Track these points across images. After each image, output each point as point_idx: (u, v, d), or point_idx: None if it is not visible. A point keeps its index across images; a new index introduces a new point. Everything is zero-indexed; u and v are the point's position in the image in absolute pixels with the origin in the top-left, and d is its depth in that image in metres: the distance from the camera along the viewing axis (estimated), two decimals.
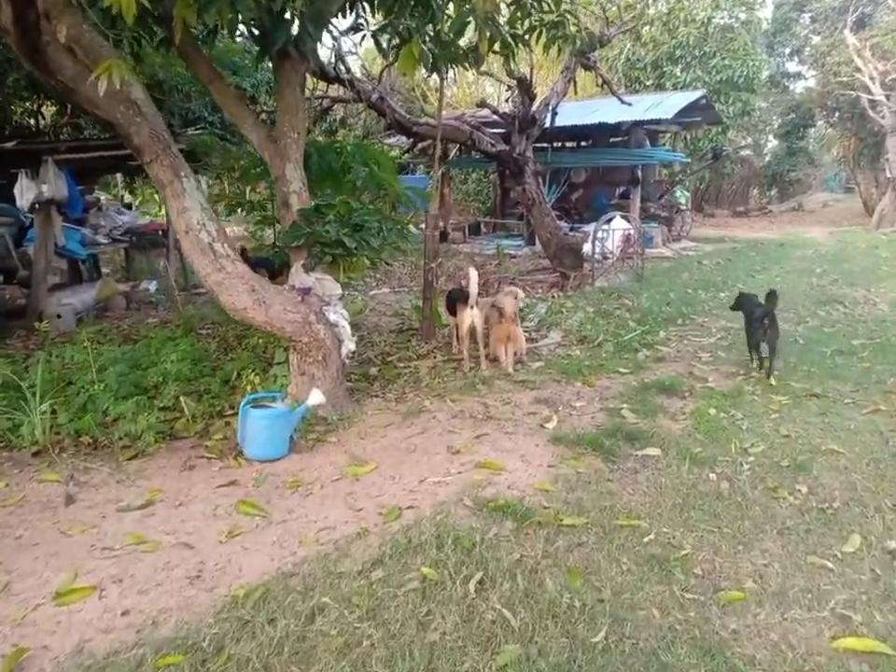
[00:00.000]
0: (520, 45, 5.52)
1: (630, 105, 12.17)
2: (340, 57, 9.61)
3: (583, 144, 17.07)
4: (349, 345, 4.72)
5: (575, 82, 11.23)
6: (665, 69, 21.45)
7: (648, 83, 21.61)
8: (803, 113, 28.89)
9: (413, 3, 4.78)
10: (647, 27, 21.75)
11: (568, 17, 5.20)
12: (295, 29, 4.45)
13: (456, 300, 5.86)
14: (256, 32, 4.66)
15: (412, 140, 12.72)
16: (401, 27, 4.91)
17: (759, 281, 10.37)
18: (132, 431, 4.05)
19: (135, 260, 11.39)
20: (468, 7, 4.84)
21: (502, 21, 5.43)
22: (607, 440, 4.17)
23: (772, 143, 37.64)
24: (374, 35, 5.32)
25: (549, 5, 5.13)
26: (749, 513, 3.30)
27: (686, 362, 6.12)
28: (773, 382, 5.32)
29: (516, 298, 6.60)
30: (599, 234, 11.92)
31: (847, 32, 21.19)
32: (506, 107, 12.03)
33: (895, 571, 2.83)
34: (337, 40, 9.78)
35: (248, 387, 4.60)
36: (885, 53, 20.61)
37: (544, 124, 11.14)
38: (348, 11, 5.25)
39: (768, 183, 35.11)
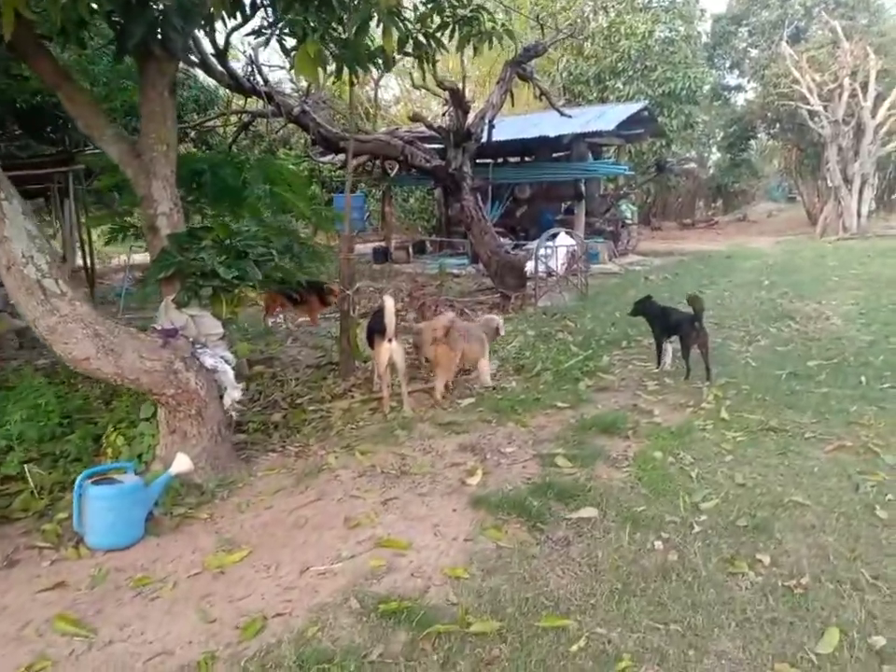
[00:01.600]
0: (434, 45, 4.91)
1: (570, 117, 11.75)
2: (256, 67, 8.92)
3: (527, 159, 16.65)
4: (234, 394, 3.98)
5: (512, 94, 10.74)
6: (607, 83, 21.33)
7: (591, 97, 21.45)
8: (744, 125, 29.21)
9: None
10: (588, 41, 21.64)
11: (483, 13, 4.61)
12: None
13: (375, 331, 5.17)
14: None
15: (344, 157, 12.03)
16: (297, 25, 4.24)
17: (706, 296, 9.91)
18: None
19: None
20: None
21: (412, 16, 4.84)
22: (536, 499, 3.51)
23: (716, 155, 38.15)
24: (280, 39, 4.64)
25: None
26: (702, 598, 2.67)
27: (631, 392, 5.54)
28: (725, 416, 4.76)
29: (497, 327, 6.02)
30: (543, 251, 11.44)
31: (783, 44, 21.42)
32: (445, 122, 11.50)
33: None
34: (255, 49, 9.12)
35: (109, 451, 3.82)
36: (820, 65, 20.87)
37: (481, 138, 10.61)
38: (248, 10, 4.54)
39: (713, 195, 35.54)
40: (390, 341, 4.99)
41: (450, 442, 4.48)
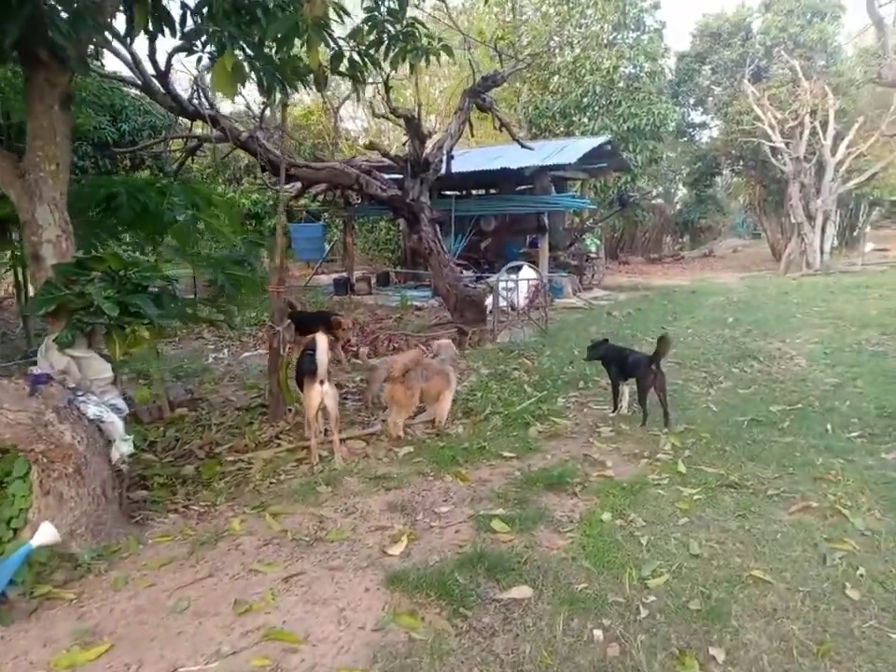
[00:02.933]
0: (368, 63, 4.54)
1: (531, 149, 11.54)
2: (200, 89, 8.52)
3: (492, 191, 16.45)
4: (122, 448, 3.47)
5: (471, 124, 10.48)
6: (573, 117, 21.36)
7: (557, 131, 21.44)
8: (709, 161, 29.57)
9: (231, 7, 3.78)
10: (555, 76, 21.73)
11: (418, 28, 4.26)
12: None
13: (306, 371, 4.69)
14: None
15: (299, 186, 11.64)
16: (215, 37, 3.84)
17: (669, 333, 9.64)
18: None
19: None
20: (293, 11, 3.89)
21: (344, 32, 4.47)
22: (463, 575, 3.05)
23: (682, 191, 38.69)
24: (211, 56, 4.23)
25: (394, 14, 4.18)
26: None
27: (584, 439, 5.13)
28: (682, 469, 4.36)
29: (454, 351, 5.64)
30: (505, 285, 11.11)
31: (745, 82, 21.74)
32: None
33: None
34: (200, 71, 8.72)
35: None
36: (781, 103, 21.17)
37: (440, 169, 10.29)
38: (177, 26, 4.11)
39: (680, 230, 35.84)
40: (322, 383, 4.53)
41: (378, 500, 4.00)
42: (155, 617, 2.80)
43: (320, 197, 16.90)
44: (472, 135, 11.89)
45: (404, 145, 12.41)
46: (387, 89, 8.43)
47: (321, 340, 4.45)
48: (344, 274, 15.58)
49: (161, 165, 16.40)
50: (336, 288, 15.08)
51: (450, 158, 10.37)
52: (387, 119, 9.72)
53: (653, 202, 35.00)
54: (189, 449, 4.82)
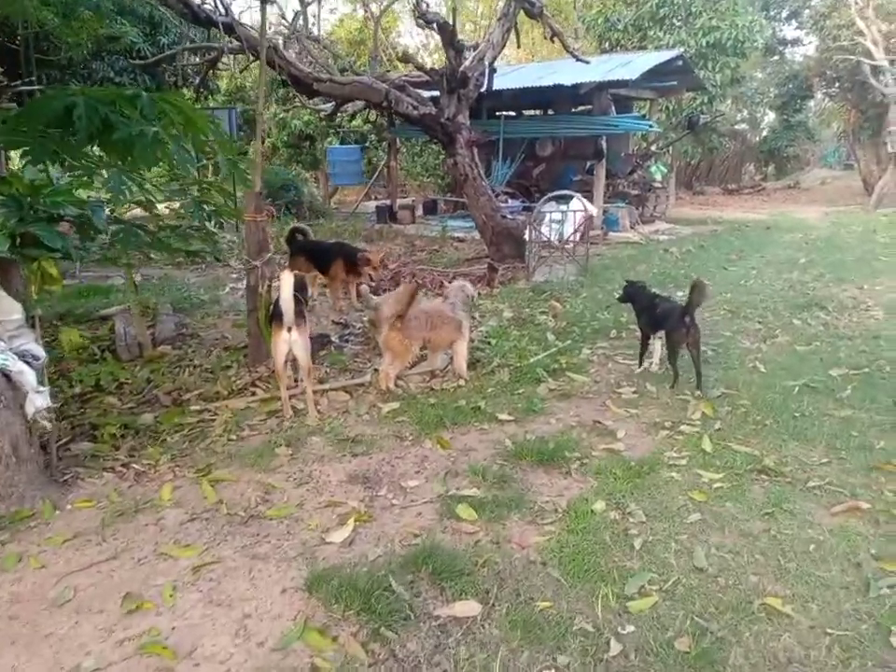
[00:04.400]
0: None
1: (588, 62, 10.37)
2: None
3: (549, 112, 15.21)
4: (36, 401, 3.02)
5: (517, 33, 9.41)
6: (648, 31, 19.44)
7: (629, 46, 19.62)
8: (800, 83, 26.86)
9: None
10: None
11: None
12: None
13: (273, 316, 4.14)
14: None
15: (334, 104, 10.87)
16: None
17: (730, 275, 8.67)
18: None
19: None
20: None
21: None
22: (402, 580, 2.50)
23: (769, 116, 35.62)
24: None
25: None
26: None
27: (600, 400, 4.45)
28: (707, 446, 3.65)
29: (472, 296, 5.02)
30: (553, 216, 10.21)
31: None
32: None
33: None
34: None
35: None
36: (888, 15, 18.68)
37: (481, 84, 9.33)
38: None
39: (765, 159, 33.11)
40: (290, 330, 3.98)
41: (341, 469, 3.48)
42: (29, 610, 2.38)
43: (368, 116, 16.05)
44: (519, 46, 10.75)
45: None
46: None
47: (286, 280, 3.87)
48: (387, 201, 14.88)
49: (206, 82, 15.83)
50: (378, 216, 14.44)
51: (492, 72, 9.36)
52: (425, 24, 8.72)
53: (735, 127, 32.42)
54: (156, 395, 4.40)
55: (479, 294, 7.41)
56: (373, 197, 19.81)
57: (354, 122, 18.96)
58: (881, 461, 3.44)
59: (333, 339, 5.67)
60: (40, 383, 3.05)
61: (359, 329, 6.09)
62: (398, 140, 15.55)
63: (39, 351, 3.09)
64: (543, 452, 3.56)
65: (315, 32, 13.47)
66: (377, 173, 17.58)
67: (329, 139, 21.45)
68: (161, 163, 4.61)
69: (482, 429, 3.98)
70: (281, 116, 21.31)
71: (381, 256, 6.83)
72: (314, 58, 12.23)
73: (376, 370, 4.89)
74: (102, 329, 5.76)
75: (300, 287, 4.57)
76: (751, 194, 27.32)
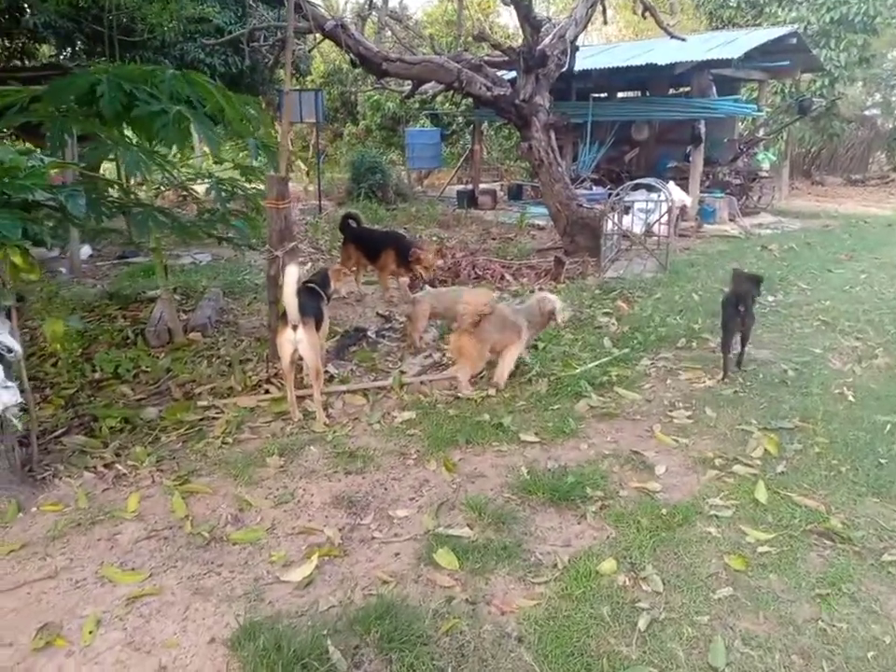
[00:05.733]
0: None
1: (683, 39, 9.52)
2: None
3: (645, 94, 14.24)
4: (3, 396, 2.83)
5: (604, 8, 8.68)
6: (764, 7, 17.88)
7: (743, 23, 18.13)
8: None
9: None
10: None
11: None
12: None
13: (281, 314, 3.82)
14: None
15: (411, 85, 10.50)
16: None
17: (833, 279, 7.68)
18: None
19: None
20: None
21: None
22: (343, 644, 2.12)
23: None
24: None
25: None
26: None
27: (647, 424, 3.89)
28: (762, 495, 3.04)
29: (552, 311, 4.57)
30: (641, 206, 9.47)
31: None
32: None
33: None
34: None
35: None
36: None
37: (563, 64, 8.69)
38: None
39: None
40: (295, 328, 3.67)
41: (329, 487, 3.14)
42: None
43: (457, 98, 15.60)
44: (605, 23, 9.97)
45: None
46: None
47: (291, 274, 3.54)
48: (469, 186, 14.43)
49: (296, 64, 15.86)
50: (458, 201, 14.02)
51: (574, 50, 8.69)
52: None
53: (864, 112, 29.62)
54: (170, 386, 4.22)
55: (539, 289, 6.93)
56: (465, 181, 19.39)
57: (443, 105, 18.57)
58: None
59: (370, 333, 5.33)
60: (15, 378, 2.87)
61: (401, 323, 5.73)
62: (485, 123, 15.01)
63: (13, 343, 2.91)
64: (559, 487, 3.07)
65: (399, 10, 13.09)
66: (464, 157, 17.12)
67: (421, 122, 21.19)
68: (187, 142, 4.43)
69: (499, 451, 3.53)
70: (375, 98, 21.24)
71: (435, 251, 6.40)
72: (398, 38, 11.93)
73: (402, 371, 4.53)
74: (145, 311, 5.70)
75: (321, 282, 4.28)
76: (878, 186, 24.80)
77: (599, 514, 2.92)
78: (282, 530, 2.80)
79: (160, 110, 3.97)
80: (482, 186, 14.57)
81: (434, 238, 10.56)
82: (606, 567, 2.53)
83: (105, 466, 3.27)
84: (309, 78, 19.85)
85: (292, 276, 3.55)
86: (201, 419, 3.81)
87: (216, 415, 3.86)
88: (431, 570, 2.52)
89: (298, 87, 16.70)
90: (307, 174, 20.86)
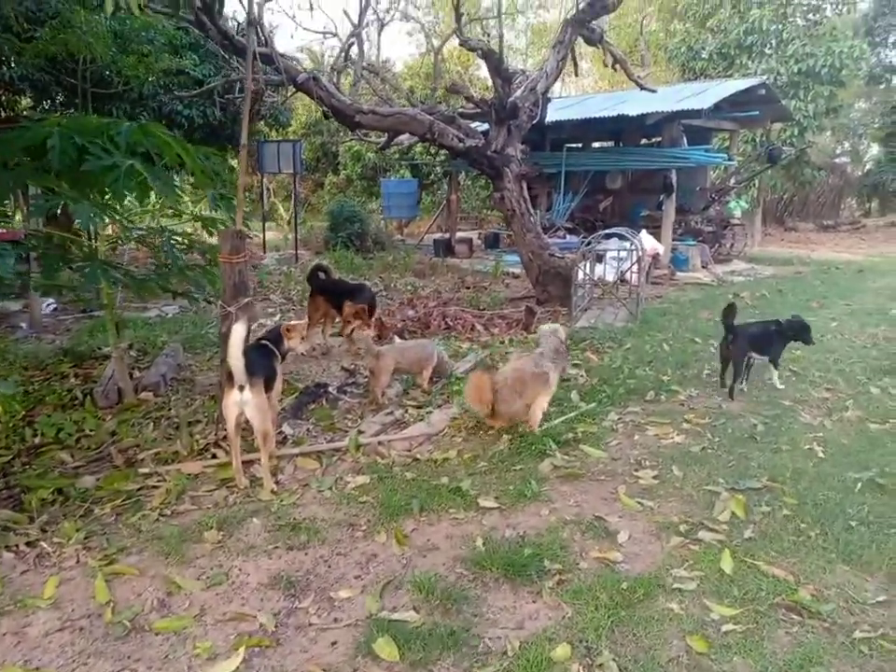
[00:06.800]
0: None
1: (654, 91, 9.64)
2: (253, 23, 7.59)
3: (620, 144, 14.47)
4: None
5: (575, 62, 8.83)
6: (735, 59, 18.43)
7: (714, 76, 18.65)
8: None
9: None
10: (718, 11, 18.75)
11: None
12: None
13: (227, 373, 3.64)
14: None
15: (386, 136, 10.56)
16: None
17: None
18: None
19: None
20: None
21: None
22: None
23: (874, 149, 33.23)
24: None
25: None
26: None
27: (612, 485, 3.73)
28: (727, 564, 2.87)
29: (559, 339, 4.65)
30: (613, 255, 9.48)
31: None
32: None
33: None
34: (259, 4, 7.82)
35: None
36: None
37: (535, 115, 8.79)
38: None
39: (868, 194, 30.82)
40: (242, 389, 3.50)
41: (268, 566, 2.93)
42: None
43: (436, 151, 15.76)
44: (576, 74, 10.15)
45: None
46: (458, 16, 7.06)
47: (237, 332, 3.40)
48: (446, 235, 14.48)
49: (276, 115, 15.97)
50: (435, 249, 14.06)
51: (546, 102, 8.79)
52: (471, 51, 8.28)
53: (834, 160, 30.39)
54: (111, 451, 4.01)
55: (510, 341, 6.84)
56: (444, 230, 19.51)
57: (422, 155, 18.76)
58: None
59: (331, 389, 5.17)
60: None
61: (365, 378, 5.57)
62: (462, 174, 15.16)
63: None
64: (516, 560, 2.89)
65: (379, 64, 13.29)
66: (442, 206, 17.26)
67: (401, 172, 21.41)
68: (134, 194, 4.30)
69: (455, 519, 3.34)
70: (356, 148, 21.47)
71: (355, 312, 6.10)
72: (374, 90, 12.05)
73: (360, 431, 4.35)
74: (99, 369, 5.50)
75: (274, 339, 4.13)
76: (849, 232, 25.30)
77: (556, 590, 2.73)
78: (211, 616, 2.59)
79: (111, 164, 3.87)
80: (459, 234, 14.66)
81: (409, 287, 10.50)
82: (559, 653, 2.34)
83: (29, 544, 3.04)
84: (290, 129, 20.05)
85: (238, 334, 3.40)
86: (140, 488, 3.59)
87: (157, 483, 3.65)
88: (369, 663, 2.32)
89: (278, 138, 16.85)
90: (288, 223, 20.93)
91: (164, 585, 2.76)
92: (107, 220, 4.06)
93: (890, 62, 26.13)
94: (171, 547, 3.02)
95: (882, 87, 27.57)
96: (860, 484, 3.62)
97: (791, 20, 17.51)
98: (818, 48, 16.96)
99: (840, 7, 18.13)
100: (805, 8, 17.65)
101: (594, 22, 8.47)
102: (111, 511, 3.37)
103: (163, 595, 2.70)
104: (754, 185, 17.22)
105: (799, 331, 5.26)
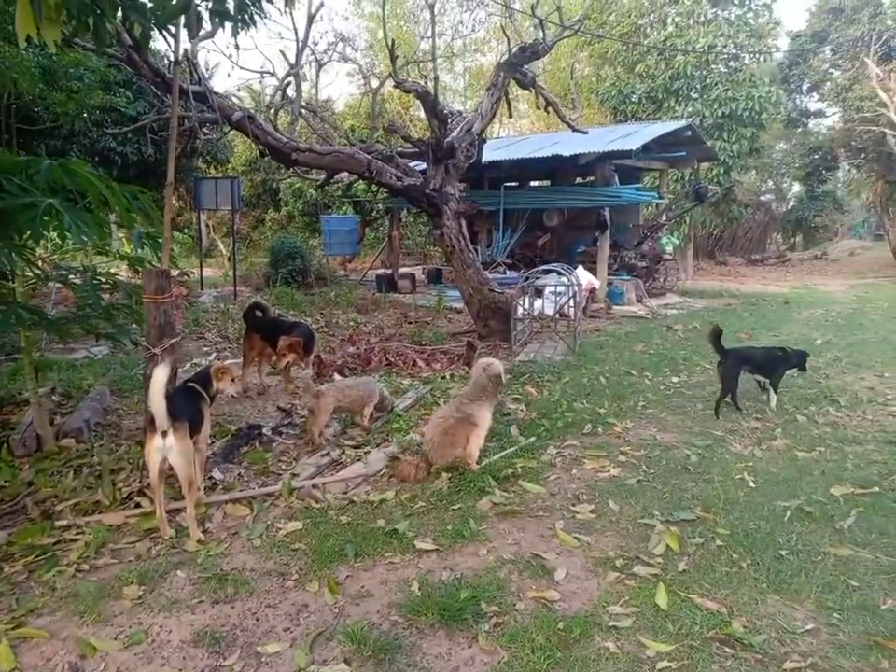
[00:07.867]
0: None
1: (585, 132, 9.95)
2: (186, 60, 7.55)
3: (556, 183, 14.85)
4: None
5: (508, 104, 9.06)
6: (662, 102, 19.29)
7: (643, 117, 19.46)
8: (825, 154, 26.44)
9: None
10: (646, 57, 19.64)
11: None
12: None
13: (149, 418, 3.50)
14: None
15: (325, 175, 10.56)
16: None
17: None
18: None
19: None
20: None
21: None
22: None
23: (796, 187, 35.16)
24: None
25: None
26: None
27: (549, 521, 3.71)
28: (662, 599, 2.87)
29: (499, 375, 4.52)
30: (552, 289, 9.66)
31: (868, 61, 18.89)
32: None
33: None
34: (192, 44, 7.79)
35: None
36: None
37: (472, 155, 8.94)
38: None
39: (792, 229, 32.47)
40: (164, 434, 3.36)
41: (191, 622, 2.77)
42: None
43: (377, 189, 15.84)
44: (510, 116, 10.43)
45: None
46: (393, 58, 7.17)
47: (158, 376, 3.27)
48: (389, 270, 14.49)
49: (214, 153, 15.82)
50: (378, 285, 14.03)
51: (482, 142, 8.97)
52: (406, 91, 8.40)
53: (760, 197, 31.96)
54: (27, 503, 3.77)
55: (451, 376, 6.82)
56: (388, 265, 19.53)
57: (365, 192, 18.85)
58: (884, 635, 2.63)
59: (265, 431, 5.03)
60: None
61: (302, 418, 5.45)
62: (403, 210, 15.27)
63: None
64: (451, 605, 2.82)
65: (318, 103, 13.37)
66: (385, 242, 17.32)
67: (343, 208, 21.43)
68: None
69: (391, 563, 3.25)
70: (297, 185, 21.40)
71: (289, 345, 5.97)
72: (312, 128, 12.09)
73: (294, 475, 4.24)
74: (19, 415, 5.22)
75: (202, 381, 4.00)
76: (776, 265, 26.55)
77: (492, 634, 2.68)
78: None
79: (28, 202, 3.72)
80: (402, 270, 14.70)
81: (351, 323, 10.42)
82: None
83: None
84: (230, 166, 19.87)
85: (159, 377, 3.28)
86: (56, 542, 3.39)
87: (75, 536, 3.45)
88: None
89: (217, 174, 16.65)
90: (228, 259, 20.60)
91: (78, 647, 2.58)
92: (19, 262, 3.88)
93: (805, 107, 27.87)
94: (87, 605, 2.84)
95: (799, 130, 29.31)
96: (788, 513, 3.70)
97: (713, 66, 18.46)
98: (739, 92, 17.92)
99: (757, 56, 19.16)
100: (725, 56, 18.61)
101: (525, 67, 8.73)
102: (23, 568, 3.16)
103: (76, 659, 2.52)
104: (685, 221, 17.91)
105: (800, 361, 5.82)
